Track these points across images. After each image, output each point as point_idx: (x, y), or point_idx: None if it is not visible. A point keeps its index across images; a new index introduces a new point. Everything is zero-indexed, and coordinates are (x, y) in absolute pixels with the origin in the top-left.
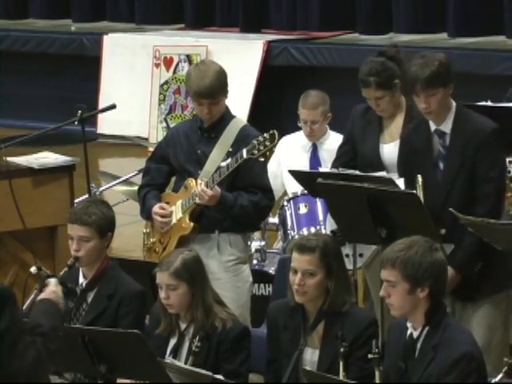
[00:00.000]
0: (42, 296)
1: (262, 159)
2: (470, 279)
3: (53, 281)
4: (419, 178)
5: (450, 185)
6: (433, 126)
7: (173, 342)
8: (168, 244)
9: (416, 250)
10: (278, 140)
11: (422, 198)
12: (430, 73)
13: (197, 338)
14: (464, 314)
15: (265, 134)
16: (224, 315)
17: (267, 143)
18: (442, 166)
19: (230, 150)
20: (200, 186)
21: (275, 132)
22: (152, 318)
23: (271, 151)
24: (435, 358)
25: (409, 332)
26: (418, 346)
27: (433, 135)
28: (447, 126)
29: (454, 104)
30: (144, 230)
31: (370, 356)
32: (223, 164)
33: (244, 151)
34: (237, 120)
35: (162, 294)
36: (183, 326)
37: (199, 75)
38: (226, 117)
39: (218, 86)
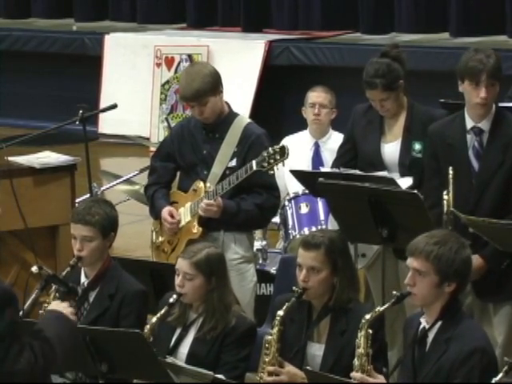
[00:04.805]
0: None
1: (272, 172)
2: (495, 277)
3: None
4: (450, 170)
5: (485, 185)
6: (469, 123)
7: (179, 330)
8: (177, 246)
9: (451, 246)
10: (282, 146)
11: (451, 192)
12: (494, 63)
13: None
14: (484, 313)
15: (275, 147)
16: (238, 312)
17: (277, 157)
18: (476, 164)
19: (236, 150)
20: (204, 201)
21: (285, 146)
22: (162, 305)
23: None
24: (447, 351)
25: (421, 326)
26: (429, 338)
27: (468, 132)
28: (486, 125)
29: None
30: (152, 228)
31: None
32: (230, 165)
33: (254, 163)
34: (240, 118)
35: (177, 281)
36: (193, 316)
37: (185, 79)
38: (229, 116)
39: (203, 88)
